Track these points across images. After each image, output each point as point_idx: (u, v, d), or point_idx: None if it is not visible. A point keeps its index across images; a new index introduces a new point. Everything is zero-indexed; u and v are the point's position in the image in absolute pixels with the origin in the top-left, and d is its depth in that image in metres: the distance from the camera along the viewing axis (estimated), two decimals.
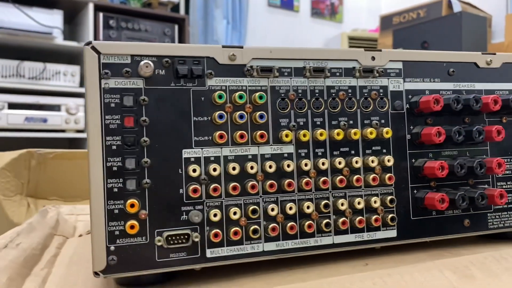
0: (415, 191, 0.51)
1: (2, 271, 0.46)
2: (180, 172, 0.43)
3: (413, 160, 0.51)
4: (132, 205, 0.41)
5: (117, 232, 0.41)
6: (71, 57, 2.78)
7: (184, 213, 0.43)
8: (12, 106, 2.37)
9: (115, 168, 0.41)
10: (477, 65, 0.54)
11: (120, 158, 0.41)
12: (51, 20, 2.50)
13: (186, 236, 0.43)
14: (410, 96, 0.51)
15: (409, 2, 3.02)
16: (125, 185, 0.41)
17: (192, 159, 0.43)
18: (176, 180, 0.43)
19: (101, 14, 2.64)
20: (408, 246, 0.51)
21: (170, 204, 0.43)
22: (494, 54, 0.55)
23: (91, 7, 2.62)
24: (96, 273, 0.40)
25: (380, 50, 0.50)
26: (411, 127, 0.51)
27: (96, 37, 2.64)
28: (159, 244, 0.42)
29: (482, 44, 2.46)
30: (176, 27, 2.92)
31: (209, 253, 0.43)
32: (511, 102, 0.52)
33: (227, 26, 3.58)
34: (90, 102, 0.41)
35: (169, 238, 0.42)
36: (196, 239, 0.43)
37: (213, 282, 0.44)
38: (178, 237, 0.42)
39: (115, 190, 0.41)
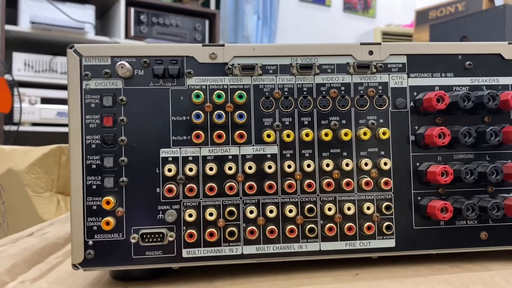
0: (418, 198, 0.46)
1: (9, 257, 0.50)
2: (157, 171, 0.43)
3: (417, 164, 0.46)
4: (107, 202, 0.42)
5: (95, 228, 0.43)
6: None
7: (160, 212, 0.43)
8: (44, 101, 2.41)
9: (94, 166, 0.43)
10: (502, 57, 0.47)
11: (99, 156, 0.43)
12: (83, 15, 2.52)
13: (161, 235, 0.43)
14: (415, 93, 0.46)
15: None
16: (103, 183, 0.43)
17: (170, 159, 0.44)
18: (153, 179, 0.43)
19: (132, 9, 2.66)
20: (410, 258, 0.47)
21: (147, 203, 0.43)
22: None
23: (122, 2, 2.63)
24: (74, 266, 0.42)
25: (379, 44, 0.46)
26: (416, 127, 0.46)
27: (127, 33, 2.66)
28: (134, 241, 0.43)
29: None
30: (207, 22, 2.89)
31: (185, 253, 0.43)
32: None
33: (257, 21, 3.51)
34: (71, 103, 0.43)
35: (144, 236, 0.43)
36: (171, 239, 0.43)
37: (190, 282, 0.44)
38: (152, 236, 0.43)
39: (94, 187, 0.43)
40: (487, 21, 2.35)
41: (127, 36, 2.67)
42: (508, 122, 0.47)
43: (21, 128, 2.26)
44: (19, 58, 2.43)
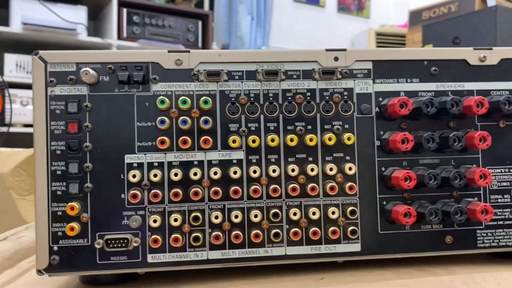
0: (384, 202, 0.46)
1: None
2: (122, 177, 0.44)
3: (383, 169, 0.46)
4: (72, 208, 0.42)
5: (60, 233, 0.43)
6: None
7: (125, 217, 0.44)
8: None
9: (59, 172, 0.43)
10: (468, 63, 0.48)
11: (64, 162, 0.43)
12: (75, 16, 2.52)
13: (125, 241, 0.43)
14: (380, 99, 0.47)
15: None
16: (68, 189, 0.43)
17: (135, 165, 0.44)
18: (118, 185, 0.44)
19: (124, 10, 2.65)
20: (376, 262, 0.47)
21: (112, 209, 0.43)
22: (490, 49, 0.48)
23: (115, 3, 2.62)
24: (39, 271, 0.43)
25: (345, 50, 0.47)
26: (381, 133, 0.46)
27: (119, 34, 2.66)
28: (99, 247, 0.43)
29: None
30: (200, 23, 2.88)
31: (150, 258, 0.44)
32: (502, 104, 0.45)
33: (251, 22, 3.50)
34: (36, 109, 0.43)
35: (109, 242, 0.43)
36: (136, 244, 0.43)
37: (158, 286, 0.44)
38: (117, 241, 0.43)
39: (59, 193, 0.43)
40: (479, 21, 2.37)
41: (119, 37, 2.67)
42: (473, 127, 0.47)
43: (12, 130, 2.25)
44: (10, 59, 2.42)
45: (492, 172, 0.48)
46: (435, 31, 2.59)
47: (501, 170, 0.48)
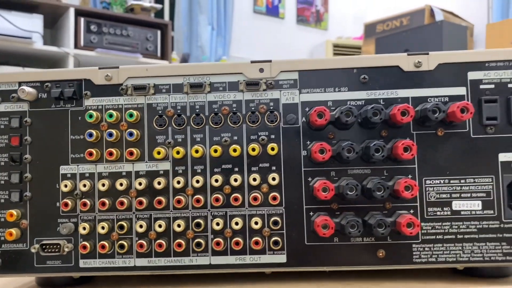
0: (311, 213, 0.46)
1: None
2: (57, 187, 0.47)
3: (310, 179, 0.46)
4: (11, 215, 0.46)
5: (2, 238, 0.47)
6: (52, 62, 2.67)
7: (60, 224, 0.47)
8: None
9: (2, 182, 0.47)
10: (401, 69, 0.46)
11: (6, 173, 0.47)
12: (30, 25, 2.40)
13: (58, 246, 0.46)
14: (307, 109, 0.46)
15: (396, 10, 3.06)
16: (10, 197, 0.47)
17: (69, 175, 0.47)
18: (54, 194, 0.47)
19: (82, 19, 2.57)
20: (304, 274, 0.46)
21: (48, 216, 0.47)
22: (427, 53, 0.46)
23: (72, 11, 2.53)
24: None
25: (270, 61, 0.47)
26: (308, 142, 0.46)
27: (76, 42, 2.56)
28: (34, 251, 0.46)
29: None
30: (159, 32, 2.81)
31: (82, 263, 0.46)
32: (429, 112, 0.43)
33: (211, 32, 3.50)
34: None
35: (44, 247, 0.46)
36: (67, 249, 0.46)
37: None
38: (51, 246, 0.46)
39: (2, 201, 0.47)
40: (427, 35, 2.56)
41: (76, 46, 2.59)
42: (408, 136, 0.45)
43: None
44: None
45: (430, 184, 0.45)
46: (388, 44, 2.76)
47: (440, 182, 0.45)
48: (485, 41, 2.73)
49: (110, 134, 0.46)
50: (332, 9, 4.27)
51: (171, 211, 0.46)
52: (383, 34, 2.97)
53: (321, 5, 4.14)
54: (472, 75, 0.46)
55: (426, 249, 0.45)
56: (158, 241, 0.45)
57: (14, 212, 0.46)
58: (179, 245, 0.45)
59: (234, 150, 0.46)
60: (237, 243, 0.45)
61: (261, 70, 0.47)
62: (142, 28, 2.78)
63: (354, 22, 4.22)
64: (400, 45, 2.63)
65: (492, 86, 0.45)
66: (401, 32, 2.77)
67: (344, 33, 4.03)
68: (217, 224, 0.45)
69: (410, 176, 0.45)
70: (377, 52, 2.79)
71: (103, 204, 0.46)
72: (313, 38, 4.09)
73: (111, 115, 0.46)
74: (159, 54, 2.83)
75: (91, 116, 0.46)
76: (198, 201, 0.46)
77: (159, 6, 2.98)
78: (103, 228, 0.46)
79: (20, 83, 0.48)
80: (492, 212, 0.45)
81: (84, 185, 0.46)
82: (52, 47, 2.55)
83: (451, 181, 0.45)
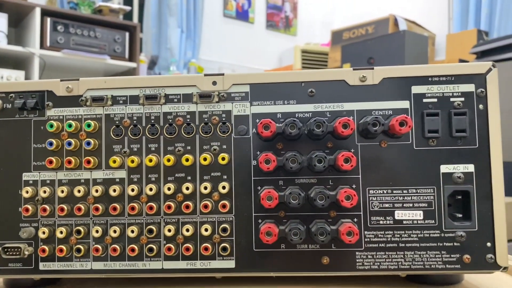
0: (259, 221, 0.47)
1: None
2: (20, 193, 0.49)
3: (259, 188, 0.48)
4: None
5: None
6: (16, 62, 2.65)
7: (21, 229, 0.49)
8: None
9: None
10: (347, 83, 0.48)
11: None
12: None
13: (18, 249, 0.49)
14: (257, 120, 0.48)
15: (362, 17, 3.18)
16: None
17: (31, 182, 0.49)
18: (17, 200, 0.49)
19: (48, 19, 2.55)
20: (254, 279, 0.48)
21: (11, 220, 0.49)
22: (372, 68, 0.48)
23: (38, 11, 2.50)
24: None
25: (223, 74, 0.49)
26: (258, 153, 0.48)
27: (42, 42, 2.54)
28: None
29: (424, 62, 2.59)
30: (127, 34, 2.82)
31: (42, 266, 0.49)
32: (369, 125, 0.45)
33: (181, 35, 3.51)
34: None
35: (6, 250, 0.49)
36: (27, 252, 0.48)
37: None
38: (12, 249, 0.49)
39: None
40: (391, 44, 2.65)
41: (42, 46, 2.57)
42: (353, 148, 0.47)
43: None
44: None
45: (374, 193, 0.47)
46: (353, 51, 2.84)
47: (383, 191, 0.47)
48: (445, 50, 2.85)
49: (69, 143, 0.48)
50: (301, 15, 4.36)
51: (126, 217, 0.48)
52: (349, 41, 3.06)
53: (290, 11, 4.22)
54: (416, 89, 0.47)
55: (369, 256, 0.47)
56: (113, 245, 0.48)
57: None
58: (133, 250, 0.47)
59: (187, 160, 0.48)
60: (187, 249, 0.47)
61: (214, 83, 0.49)
62: (110, 29, 2.77)
63: (322, 28, 4.29)
64: (365, 53, 2.71)
65: (435, 100, 0.47)
66: (366, 40, 2.85)
67: (312, 39, 4.08)
68: (169, 230, 0.47)
69: (354, 186, 0.47)
70: (343, 59, 2.88)
71: (62, 209, 0.48)
72: (282, 43, 4.18)
73: (70, 125, 0.48)
74: (127, 56, 2.83)
75: (51, 126, 0.49)
76: (151, 208, 0.48)
77: (127, 7, 2.97)
78: (61, 232, 0.48)
79: None
80: (433, 221, 0.46)
81: (45, 192, 0.48)
82: (17, 46, 2.51)
83: (394, 191, 0.47)
